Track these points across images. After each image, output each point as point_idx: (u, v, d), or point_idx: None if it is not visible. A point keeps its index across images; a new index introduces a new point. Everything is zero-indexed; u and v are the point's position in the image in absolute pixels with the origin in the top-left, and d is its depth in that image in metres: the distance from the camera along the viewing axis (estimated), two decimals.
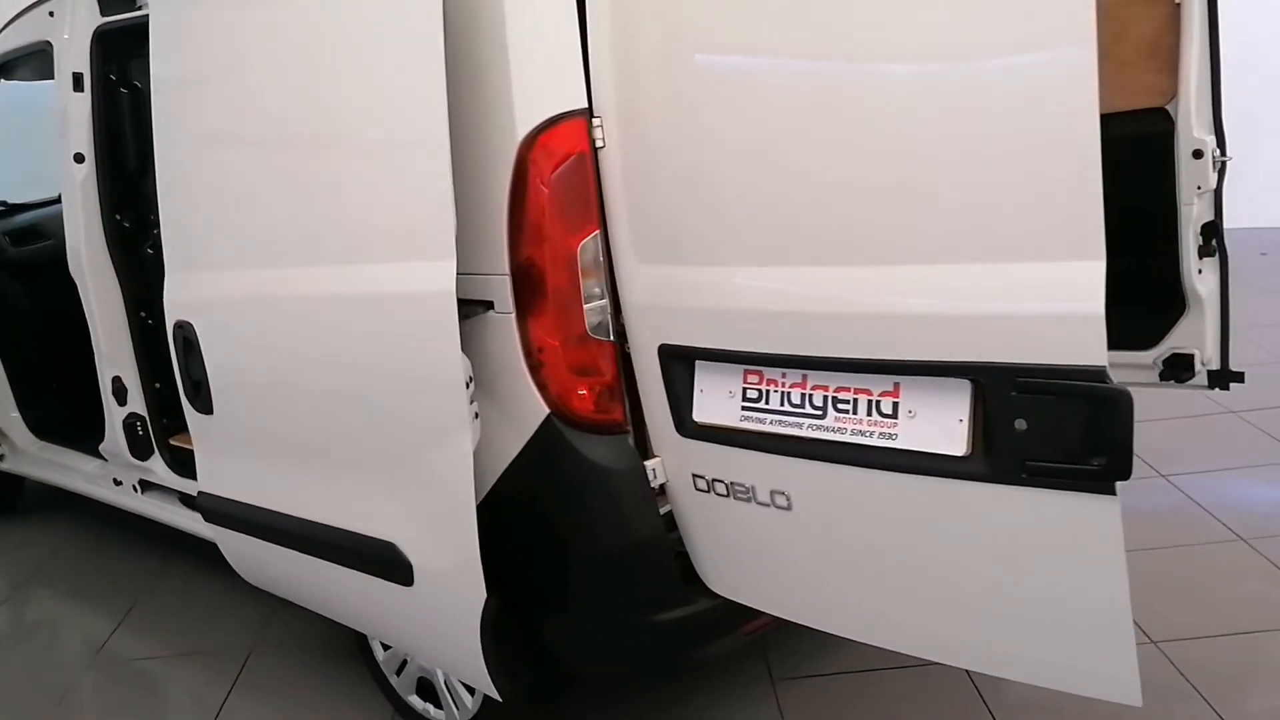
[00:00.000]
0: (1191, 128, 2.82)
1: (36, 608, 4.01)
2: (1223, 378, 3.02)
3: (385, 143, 2.13)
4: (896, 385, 1.86)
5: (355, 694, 3.01)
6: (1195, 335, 2.99)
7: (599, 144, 2.12)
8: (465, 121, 2.16)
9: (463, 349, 2.17)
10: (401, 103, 2.07)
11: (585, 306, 2.16)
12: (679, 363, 2.15)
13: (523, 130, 2.09)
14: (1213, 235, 2.90)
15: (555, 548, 2.33)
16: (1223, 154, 2.85)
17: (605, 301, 2.18)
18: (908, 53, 1.75)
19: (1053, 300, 1.65)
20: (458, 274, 2.21)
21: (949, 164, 1.72)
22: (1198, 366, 3.02)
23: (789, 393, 2.01)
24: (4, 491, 4.66)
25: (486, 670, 2.28)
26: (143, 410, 3.51)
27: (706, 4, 1.97)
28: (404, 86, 2.05)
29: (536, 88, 2.10)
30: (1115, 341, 3.04)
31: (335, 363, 2.32)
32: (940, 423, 1.81)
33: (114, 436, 3.58)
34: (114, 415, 3.53)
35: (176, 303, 2.62)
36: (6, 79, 3.83)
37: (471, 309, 2.23)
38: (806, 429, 1.98)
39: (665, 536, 2.28)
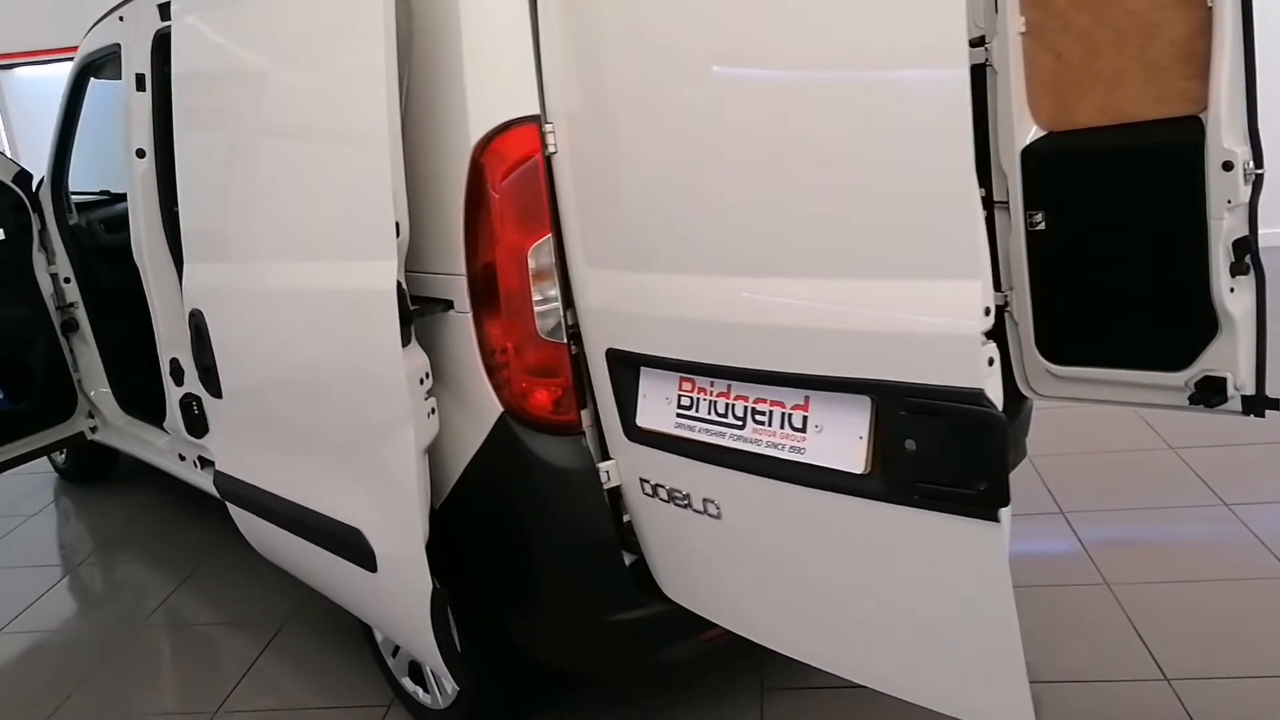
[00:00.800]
0: (1221, 137, 2.65)
1: (108, 569, 4.30)
2: (1258, 404, 2.83)
3: (334, 143, 2.22)
4: (807, 399, 1.84)
5: (363, 672, 3.13)
6: (1228, 358, 2.81)
7: (551, 149, 2.14)
8: (425, 125, 2.23)
9: (426, 346, 2.25)
10: (348, 105, 2.14)
11: (537, 309, 2.20)
12: (625, 368, 2.17)
13: (476, 134, 2.13)
14: (1245, 252, 2.72)
15: (513, 544, 2.38)
16: (1258, 166, 2.67)
17: (559, 305, 2.21)
18: (810, 76, 1.73)
19: (935, 319, 1.60)
20: (422, 273, 2.29)
21: (844, 179, 1.68)
22: (1230, 391, 2.84)
23: (715, 402, 2.00)
24: (99, 460, 5.02)
25: (440, 657, 2.35)
26: (198, 390, 3.71)
27: (634, 19, 1.98)
28: (351, 90, 2.12)
29: (490, 93, 2.15)
30: (1144, 361, 2.94)
31: (303, 356, 2.42)
32: (843, 439, 1.77)
33: (173, 415, 3.80)
34: (172, 395, 3.75)
35: (190, 292, 2.78)
36: (97, 78, 4.10)
37: (434, 307, 2.29)
38: (729, 439, 1.97)
39: (616, 539, 2.30)
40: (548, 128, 2.14)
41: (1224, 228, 2.69)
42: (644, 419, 2.15)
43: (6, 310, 4.31)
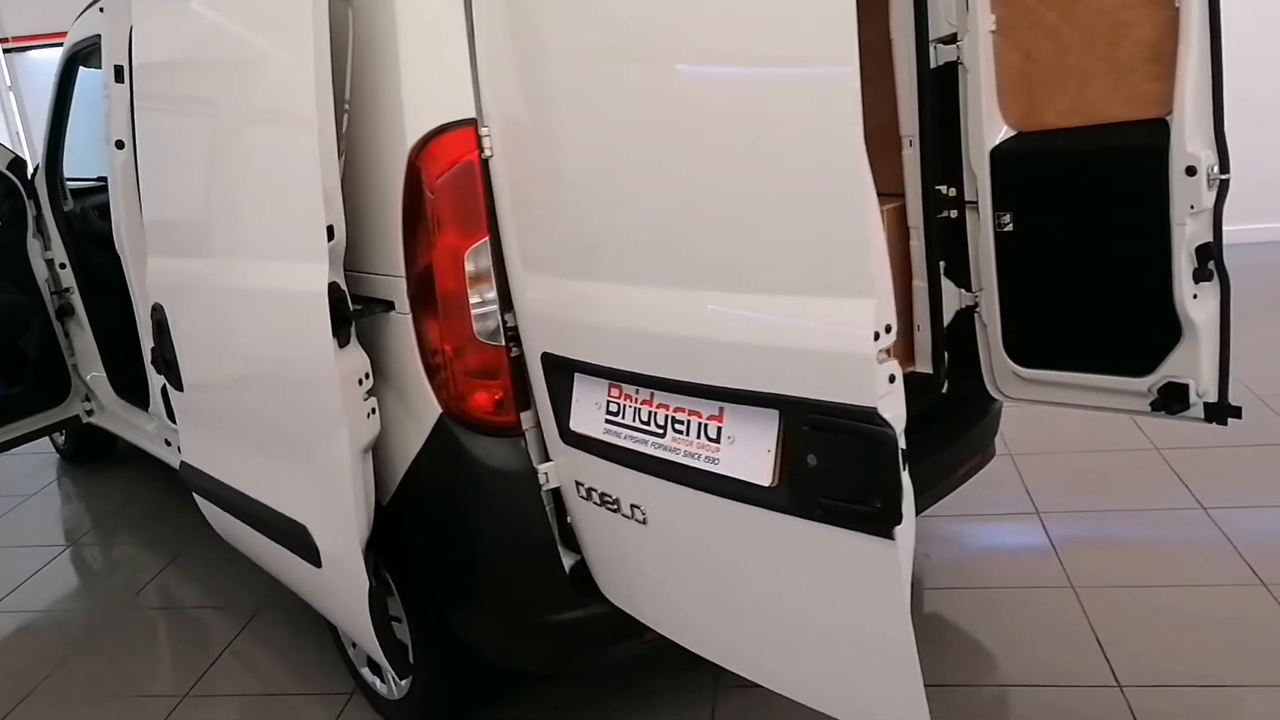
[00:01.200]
0: (1185, 141, 2.60)
1: (102, 549, 4.39)
2: (1220, 412, 2.80)
3: (271, 144, 2.24)
4: (721, 411, 1.84)
5: (331, 659, 3.17)
6: (1191, 364, 2.77)
7: (487, 153, 2.15)
8: (366, 128, 2.24)
9: (370, 346, 2.27)
10: (282, 106, 2.16)
11: (474, 312, 2.21)
12: (559, 372, 2.18)
13: (412, 138, 2.15)
14: (1208, 258, 2.68)
15: (454, 543, 2.40)
16: (1223, 171, 2.63)
17: (496, 307, 2.22)
18: (707, 89, 1.73)
19: (834, 336, 1.60)
20: (366, 274, 2.31)
21: (745, 191, 1.68)
22: (1193, 398, 2.81)
23: (640, 409, 2.01)
24: (99, 442, 5.10)
25: (381, 651, 2.38)
26: None
27: (561, 26, 1.98)
28: (284, 92, 2.14)
29: (426, 98, 2.16)
30: (1108, 365, 2.91)
31: (251, 354, 2.46)
32: (753, 452, 1.78)
33: (156, 401, 3.86)
34: (154, 381, 3.81)
35: (151, 286, 2.82)
36: (85, 67, 4.15)
37: (375, 308, 2.31)
38: (651, 446, 1.98)
39: (554, 540, 2.32)
40: (484, 131, 2.15)
41: (1186, 233, 2.66)
42: (576, 423, 2.17)
43: (1, 296, 4.39)
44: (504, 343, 2.24)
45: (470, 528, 2.35)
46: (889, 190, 3.20)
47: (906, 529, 1.60)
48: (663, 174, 1.82)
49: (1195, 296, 2.71)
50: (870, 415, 1.56)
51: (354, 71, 2.25)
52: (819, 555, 1.71)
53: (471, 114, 2.14)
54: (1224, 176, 2.62)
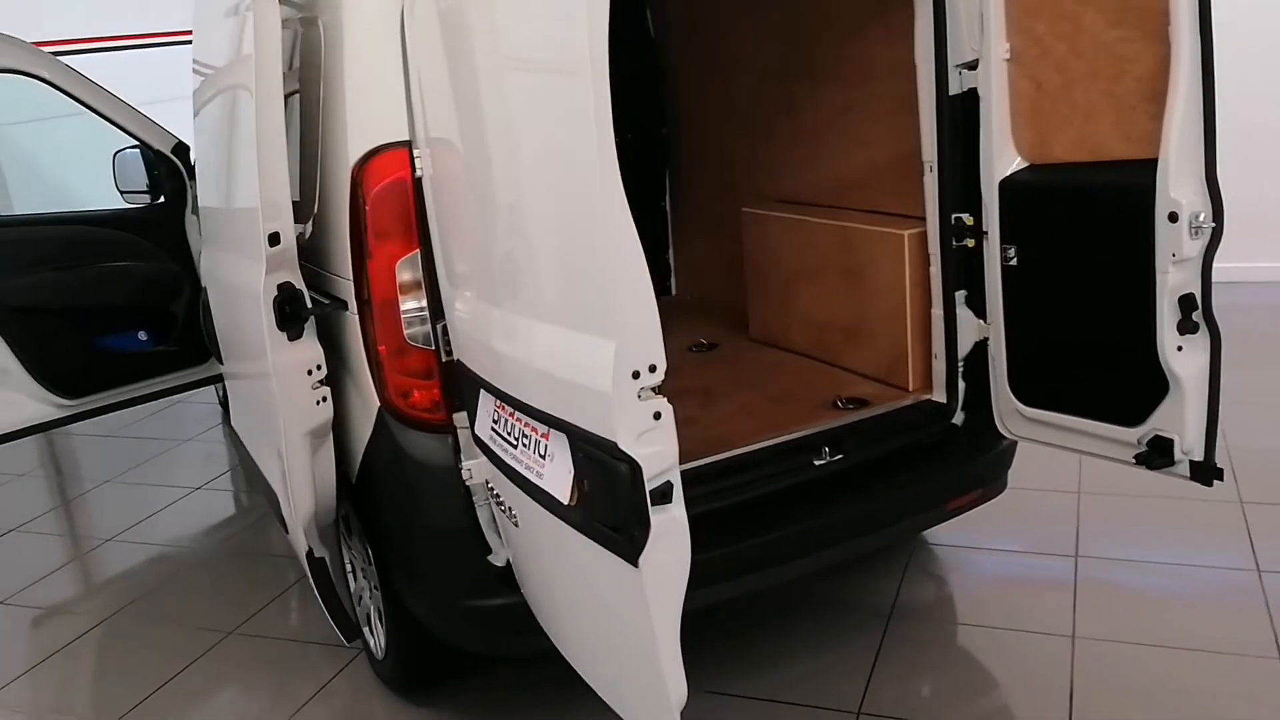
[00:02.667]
0: (1168, 185, 2.46)
1: (221, 495, 4.94)
2: (1205, 472, 2.64)
3: (236, 152, 2.53)
4: (548, 431, 1.97)
5: None
6: (1176, 419, 2.63)
7: (419, 172, 2.35)
8: (333, 144, 2.49)
9: (336, 339, 2.54)
10: (241, 117, 2.45)
11: (404, 318, 2.43)
12: (467, 380, 2.35)
13: (354, 155, 2.38)
14: (1192, 309, 2.53)
15: (394, 526, 2.64)
16: (1214, 220, 2.47)
17: (426, 315, 2.42)
18: (516, 131, 1.87)
19: (590, 372, 1.70)
20: (330, 274, 2.58)
21: (541, 229, 1.80)
22: (1178, 454, 2.65)
23: (508, 421, 2.16)
24: None
25: (327, 615, 2.65)
26: None
27: (440, 60, 2.14)
28: (240, 104, 2.42)
29: (368, 119, 2.38)
30: (1101, 412, 2.81)
31: (237, 339, 2.79)
32: (562, 470, 1.90)
33: None
34: None
35: (202, 271, 3.21)
36: None
37: (333, 306, 2.57)
38: (509, 456, 2.13)
39: (472, 531, 2.50)
40: (417, 153, 2.34)
41: (1169, 281, 2.52)
42: (479, 428, 2.34)
43: (159, 265, 4.98)
44: (435, 347, 2.44)
45: (404, 513, 2.58)
46: (916, 214, 3.17)
47: (653, 561, 1.68)
48: (497, 204, 1.97)
49: (1180, 349, 2.57)
50: (613, 449, 1.65)
51: (324, 90, 2.50)
52: (600, 572, 1.82)
53: (405, 136, 2.34)
54: (1210, 225, 2.46)
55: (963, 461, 3.14)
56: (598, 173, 1.60)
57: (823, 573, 3.38)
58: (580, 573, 1.92)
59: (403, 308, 2.41)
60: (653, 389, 1.68)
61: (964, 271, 3.05)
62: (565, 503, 1.87)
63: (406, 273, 2.40)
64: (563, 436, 1.86)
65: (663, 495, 1.69)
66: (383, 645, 3.05)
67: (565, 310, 1.76)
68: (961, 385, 3.16)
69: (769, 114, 3.95)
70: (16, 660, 3.60)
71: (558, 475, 1.91)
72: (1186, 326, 2.54)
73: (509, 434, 2.13)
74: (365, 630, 3.26)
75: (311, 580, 2.59)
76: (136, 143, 4.72)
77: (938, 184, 3.03)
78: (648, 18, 4.56)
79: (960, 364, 3.14)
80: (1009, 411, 3.02)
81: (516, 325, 1.98)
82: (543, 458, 1.98)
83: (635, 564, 1.68)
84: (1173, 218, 2.47)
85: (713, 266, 4.59)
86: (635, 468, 1.65)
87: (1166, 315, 2.55)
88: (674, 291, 4.90)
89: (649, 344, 1.66)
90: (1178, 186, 2.46)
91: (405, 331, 2.42)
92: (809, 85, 3.71)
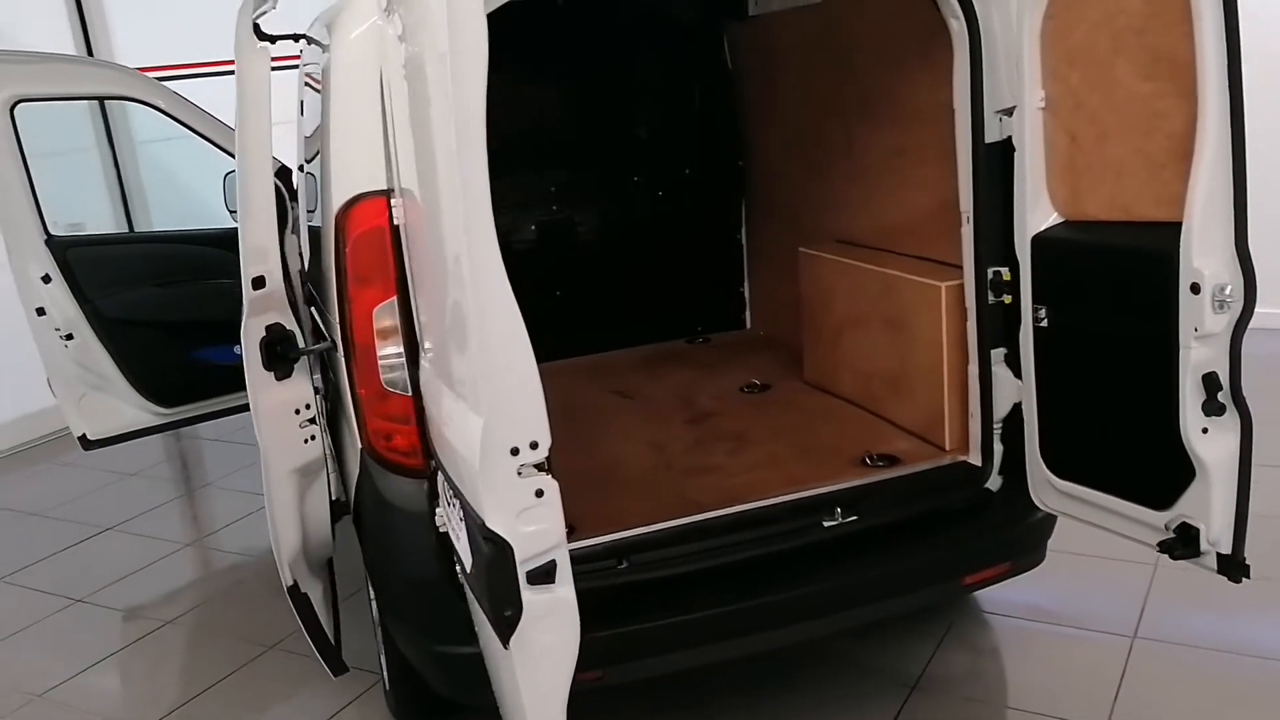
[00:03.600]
0: (1191, 253, 2.26)
1: None
2: (1232, 567, 2.40)
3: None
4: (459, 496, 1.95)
5: None
6: (1202, 506, 2.40)
7: (398, 221, 2.37)
8: (323, 193, 2.55)
9: (336, 378, 2.60)
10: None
11: (381, 363, 2.45)
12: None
13: (338, 203, 2.42)
14: (1217, 389, 2.30)
15: (376, 565, 2.67)
16: (1247, 295, 2.24)
17: (402, 360, 2.44)
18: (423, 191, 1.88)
19: (468, 445, 1.69)
20: (327, 314, 2.63)
21: (446, 297, 1.78)
22: (1204, 545, 2.42)
23: (444, 477, 2.15)
24: None
25: (313, 648, 2.71)
26: None
27: (399, 115, 2.15)
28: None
29: (351, 169, 2.42)
30: (1131, 492, 2.60)
31: None
32: (465, 537, 1.88)
33: None
34: None
35: None
36: None
37: (328, 346, 2.62)
38: (447, 512, 2.12)
39: (444, 578, 2.49)
40: (395, 202, 2.36)
41: (1192, 358, 2.31)
42: (440, 479, 2.34)
43: None
44: (410, 393, 2.45)
45: (383, 554, 2.61)
46: (960, 265, 3.01)
47: (529, 642, 1.64)
48: (428, 261, 1.96)
49: (1205, 431, 2.35)
50: (482, 527, 1.62)
51: (321, 141, 2.55)
52: (490, 644, 1.79)
53: (383, 185, 2.37)
54: (1232, 300, 2.23)
55: (992, 531, 2.96)
56: (466, 241, 1.57)
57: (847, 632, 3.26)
58: (487, 639, 1.90)
59: (380, 353, 2.43)
60: (536, 466, 1.64)
61: (1002, 328, 2.88)
62: (469, 570, 1.85)
63: (385, 319, 2.42)
64: (458, 505, 1.84)
65: (544, 575, 1.64)
66: (386, 676, 3.09)
67: (457, 379, 1.75)
68: (998, 448, 2.98)
69: (829, 152, 3.83)
70: (80, 657, 3.82)
71: (464, 542, 1.89)
72: (1212, 408, 2.32)
73: (447, 491, 2.13)
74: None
75: (295, 614, 2.65)
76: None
77: (974, 236, 2.87)
78: (725, 50, 4.49)
79: (998, 426, 2.97)
80: (1040, 481, 2.83)
81: (441, 387, 1.97)
82: (460, 521, 1.97)
83: (505, 645, 1.64)
84: (1195, 289, 2.26)
85: (783, 303, 4.47)
86: (504, 547, 1.61)
87: (1189, 394, 2.33)
88: (748, 325, 4.81)
89: (529, 420, 1.62)
90: (1202, 255, 2.25)
91: (383, 376, 2.44)
92: (866, 125, 3.58)
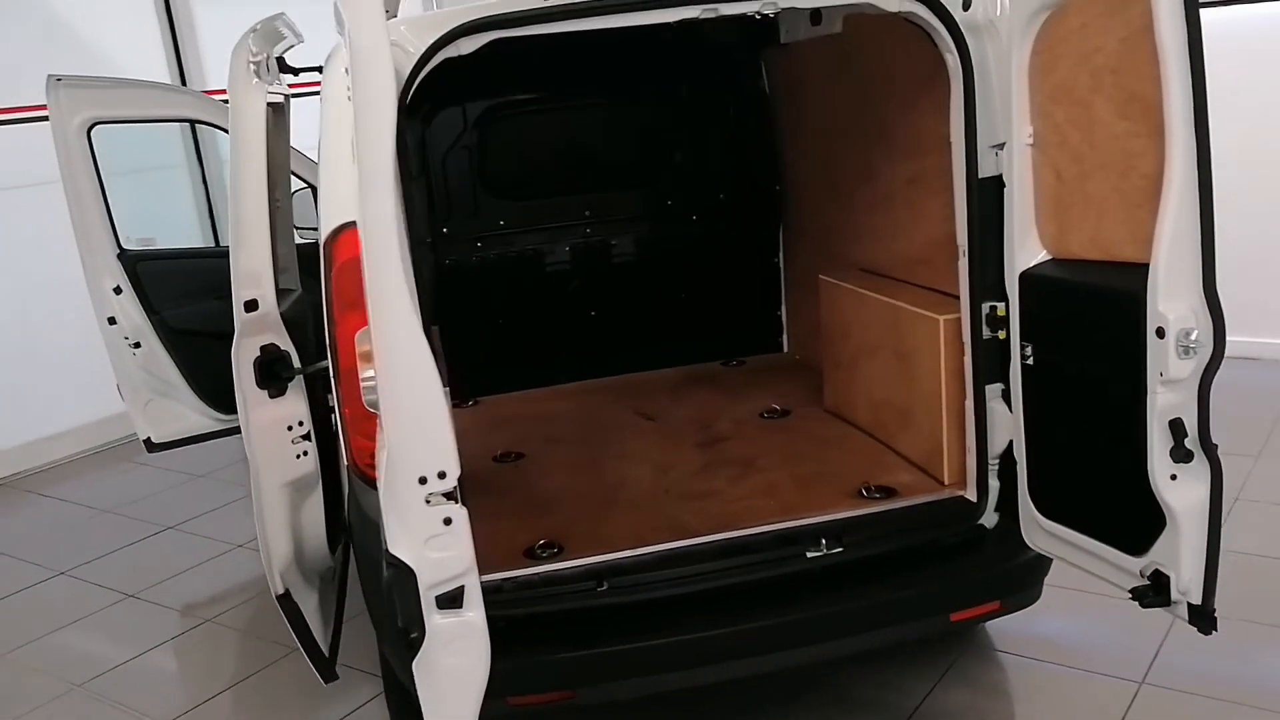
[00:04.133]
0: (1157, 296, 2.22)
1: None
2: (1202, 619, 2.34)
3: None
4: None
5: None
6: (1172, 555, 2.35)
7: None
8: (320, 222, 2.67)
9: (317, 398, 2.72)
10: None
11: (363, 385, 2.55)
12: None
13: (326, 232, 2.54)
14: (1184, 436, 2.25)
15: (365, 578, 2.78)
16: (1216, 340, 2.19)
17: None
18: None
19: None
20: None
21: None
22: (1174, 594, 2.37)
23: None
24: None
25: (304, 655, 2.83)
26: None
27: None
28: None
29: (336, 200, 2.53)
30: (1111, 536, 2.58)
31: None
32: None
33: None
34: None
35: None
36: None
37: (322, 367, 2.75)
38: None
39: None
40: None
41: (1158, 403, 2.27)
42: None
43: (313, 296, 5.41)
44: None
45: (365, 568, 2.71)
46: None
47: (432, 664, 1.71)
48: None
49: (1174, 478, 2.30)
50: (387, 552, 1.70)
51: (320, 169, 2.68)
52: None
53: None
54: (1198, 345, 2.19)
55: (982, 567, 2.93)
56: (369, 272, 1.66)
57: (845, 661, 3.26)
58: None
59: (361, 375, 2.53)
60: (445, 494, 1.72)
61: (998, 364, 2.85)
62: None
63: (365, 343, 2.52)
64: None
65: (452, 600, 1.71)
66: (384, 685, 3.21)
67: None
68: (994, 484, 2.95)
69: (851, 179, 3.83)
70: (123, 650, 4.04)
71: None
72: (1179, 454, 2.27)
73: None
74: None
75: (285, 621, 2.78)
76: (305, 185, 5.18)
77: (969, 270, 2.86)
78: (763, 75, 4.52)
79: (994, 462, 2.94)
80: (1029, 521, 2.80)
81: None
82: None
83: (408, 666, 1.72)
84: (1160, 333, 2.22)
85: (817, 327, 4.48)
86: (407, 572, 1.69)
87: (1157, 440, 2.29)
88: (785, 348, 4.82)
89: (436, 450, 1.69)
90: (1168, 299, 2.21)
91: (365, 398, 2.54)
92: (883, 153, 3.57)
